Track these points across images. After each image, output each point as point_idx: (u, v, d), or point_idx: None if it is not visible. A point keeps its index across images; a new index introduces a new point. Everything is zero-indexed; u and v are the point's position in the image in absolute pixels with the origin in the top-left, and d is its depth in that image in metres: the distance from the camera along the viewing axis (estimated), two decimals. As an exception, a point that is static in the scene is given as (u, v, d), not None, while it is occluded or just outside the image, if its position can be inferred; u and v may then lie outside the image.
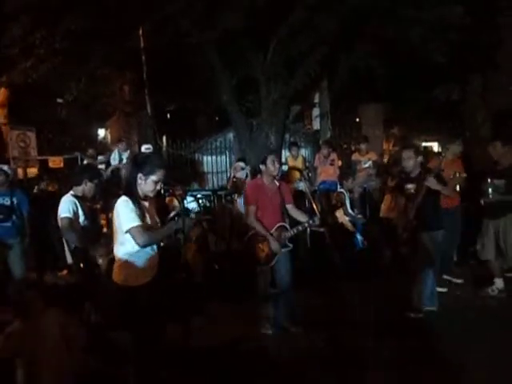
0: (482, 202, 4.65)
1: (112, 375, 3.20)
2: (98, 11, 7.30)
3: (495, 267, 4.72)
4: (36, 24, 7.51)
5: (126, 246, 2.70)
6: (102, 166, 8.11)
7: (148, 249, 2.74)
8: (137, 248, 2.68)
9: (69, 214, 3.69)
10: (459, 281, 5.15)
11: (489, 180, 4.58)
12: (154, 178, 2.71)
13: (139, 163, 2.80)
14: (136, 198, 2.69)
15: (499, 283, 4.70)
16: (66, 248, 3.99)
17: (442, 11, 6.96)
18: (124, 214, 2.64)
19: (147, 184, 2.71)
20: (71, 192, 3.87)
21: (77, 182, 3.88)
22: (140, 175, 2.71)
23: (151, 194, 2.77)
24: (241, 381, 3.33)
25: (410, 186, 4.18)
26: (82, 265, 3.70)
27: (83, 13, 7.25)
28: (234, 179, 6.72)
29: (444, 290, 4.84)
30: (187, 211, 6.24)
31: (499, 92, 9.40)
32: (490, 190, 4.56)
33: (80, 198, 3.84)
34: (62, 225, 3.74)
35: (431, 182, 3.95)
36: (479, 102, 9.72)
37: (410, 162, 4.15)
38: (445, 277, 5.14)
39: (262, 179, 4.07)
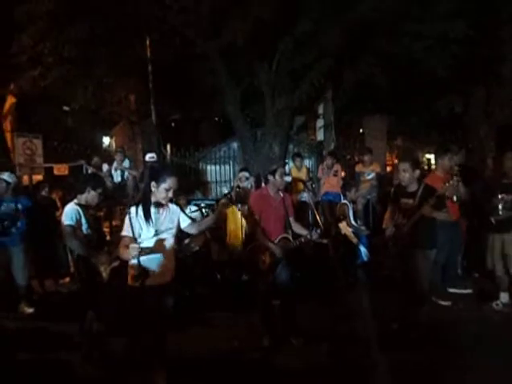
0: (493, 219, 4.54)
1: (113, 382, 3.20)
2: (104, 21, 7.41)
3: (502, 281, 4.66)
4: (44, 33, 7.64)
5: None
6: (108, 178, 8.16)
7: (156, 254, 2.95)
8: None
9: (71, 222, 3.71)
10: (467, 291, 5.09)
11: (499, 196, 4.47)
12: (165, 185, 2.94)
13: (153, 173, 3.06)
14: (148, 207, 2.93)
15: (504, 297, 4.64)
16: (70, 256, 4.01)
17: (444, 25, 7.02)
18: (125, 222, 2.93)
19: (159, 192, 2.95)
20: (75, 200, 3.90)
21: (80, 190, 3.91)
22: (153, 183, 2.95)
23: (164, 201, 2.99)
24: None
25: (406, 201, 4.07)
26: (84, 273, 3.71)
27: (90, 23, 7.36)
28: (238, 189, 6.72)
29: (447, 303, 4.81)
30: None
31: (502, 105, 9.41)
32: (500, 206, 4.46)
33: (83, 207, 3.87)
34: (64, 232, 3.76)
35: (426, 211, 3.85)
36: (482, 115, 9.73)
37: (406, 175, 4.02)
38: (451, 290, 5.10)
39: (268, 189, 4.08)
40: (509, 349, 3.69)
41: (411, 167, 4.02)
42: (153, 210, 2.95)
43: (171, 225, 3.03)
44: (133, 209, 2.91)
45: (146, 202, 2.94)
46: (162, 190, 2.93)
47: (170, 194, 2.97)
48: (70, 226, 3.71)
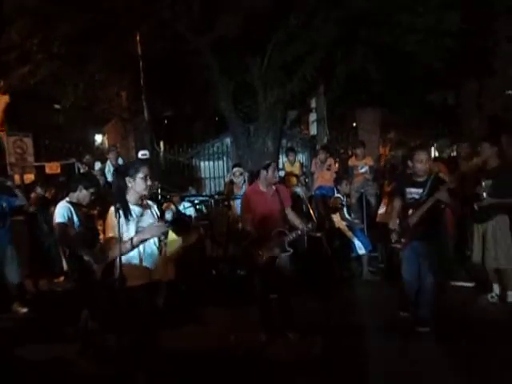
0: (476, 206, 4.50)
1: (109, 379, 3.19)
2: (94, 16, 7.32)
3: (492, 273, 4.63)
4: (33, 29, 7.54)
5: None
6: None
7: (142, 252, 2.83)
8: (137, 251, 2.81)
9: (63, 220, 3.69)
10: (470, 284, 5.10)
11: (483, 184, 4.43)
12: (140, 175, 2.85)
13: (122, 171, 2.97)
14: (126, 206, 2.81)
15: (497, 288, 4.63)
16: (62, 254, 3.98)
17: (437, 17, 7.02)
18: (108, 223, 2.81)
19: (137, 184, 2.85)
20: (67, 198, 3.88)
21: (73, 189, 3.90)
22: (128, 179, 2.85)
23: (146, 192, 2.89)
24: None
25: (414, 191, 3.98)
26: (77, 271, 3.69)
27: (79, 18, 7.27)
28: (231, 184, 6.71)
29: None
30: (184, 215, 6.23)
31: (495, 96, 9.46)
32: (484, 194, 4.41)
33: (75, 205, 3.85)
34: (56, 231, 3.75)
35: (443, 196, 3.77)
36: (474, 107, 9.77)
37: (425, 165, 3.90)
38: (454, 284, 5.12)
39: (259, 185, 4.07)
40: (503, 338, 3.72)
41: (428, 157, 4.00)
42: (132, 207, 2.84)
43: (152, 220, 2.91)
44: (113, 211, 2.76)
45: (123, 200, 2.82)
46: (139, 182, 2.83)
47: (149, 182, 2.88)
48: (62, 223, 3.69)
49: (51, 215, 5.59)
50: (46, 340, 4.11)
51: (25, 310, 4.94)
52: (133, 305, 2.77)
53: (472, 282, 5.11)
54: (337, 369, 3.45)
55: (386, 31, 7.38)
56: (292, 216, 4.05)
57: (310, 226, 3.91)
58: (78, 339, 3.74)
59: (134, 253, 2.82)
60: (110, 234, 2.80)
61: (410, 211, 3.98)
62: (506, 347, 3.56)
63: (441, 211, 4.04)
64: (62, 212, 3.72)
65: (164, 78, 9.96)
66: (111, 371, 3.16)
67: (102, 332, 3.61)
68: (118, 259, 2.69)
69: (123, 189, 2.86)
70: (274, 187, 4.05)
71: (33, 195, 6.27)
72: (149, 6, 7.37)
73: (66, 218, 3.70)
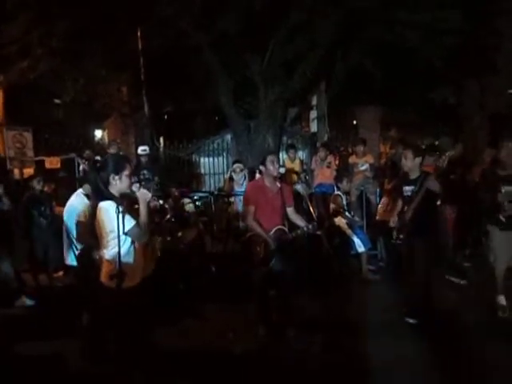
0: (502, 217, 4.20)
1: (106, 377, 3.19)
2: (94, 12, 7.30)
3: (500, 282, 4.34)
4: (33, 23, 7.51)
5: (115, 249, 2.66)
6: None
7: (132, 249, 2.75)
8: (128, 249, 2.71)
9: (83, 219, 3.64)
10: (463, 282, 5.11)
11: (503, 190, 4.16)
12: (126, 172, 2.75)
13: (105, 166, 2.82)
14: (118, 201, 2.67)
15: (502, 300, 4.33)
16: (65, 249, 3.96)
17: (437, 14, 7.00)
18: (104, 219, 2.65)
19: (123, 181, 2.75)
20: (81, 191, 3.81)
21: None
22: (112, 176, 2.73)
23: (128, 190, 2.78)
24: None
25: (408, 189, 4.14)
26: (87, 266, 3.63)
27: (79, 14, 7.24)
28: (231, 180, 6.71)
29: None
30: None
31: (497, 95, 9.43)
32: (505, 203, 4.16)
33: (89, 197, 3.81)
34: (77, 229, 3.69)
35: (432, 184, 3.92)
36: (476, 106, 9.74)
37: (408, 162, 4.12)
38: (451, 279, 5.14)
39: (263, 180, 4.06)
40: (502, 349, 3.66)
41: (413, 154, 4.10)
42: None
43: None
44: (112, 203, 2.63)
45: (112, 195, 2.71)
46: (124, 179, 2.73)
47: (132, 180, 2.79)
48: (83, 222, 3.63)
49: (52, 209, 5.61)
50: (44, 336, 4.08)
51: (31, 302, 4.92)
52: (129, 305, 2.71)
53: (464, 281, 5.11)
54: (335, 367, 3.45)
55: (385, 27, 7.37)
56: (294, 216, 4.05)
57: (311, 226, 3.92)
58: (78, 336, 3.73)
59: (129, 250, 2.74)
60: (132, 223, 2.66)
61: (406, 208, 4.14)
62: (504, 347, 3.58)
63: (434, 205, 4.16)
64: (83, 210, 3.66)
65: (165, 74, 9.94)
66: (110, 369, 3.16)
67: (102, 330, 3.60)
68: (117, 256, 2.62)
69: (107, 185, 2.74)
70: (278, 184, 4.02)
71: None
72: (149, 2, 7.35)
73: (87, 214, 3.64)
